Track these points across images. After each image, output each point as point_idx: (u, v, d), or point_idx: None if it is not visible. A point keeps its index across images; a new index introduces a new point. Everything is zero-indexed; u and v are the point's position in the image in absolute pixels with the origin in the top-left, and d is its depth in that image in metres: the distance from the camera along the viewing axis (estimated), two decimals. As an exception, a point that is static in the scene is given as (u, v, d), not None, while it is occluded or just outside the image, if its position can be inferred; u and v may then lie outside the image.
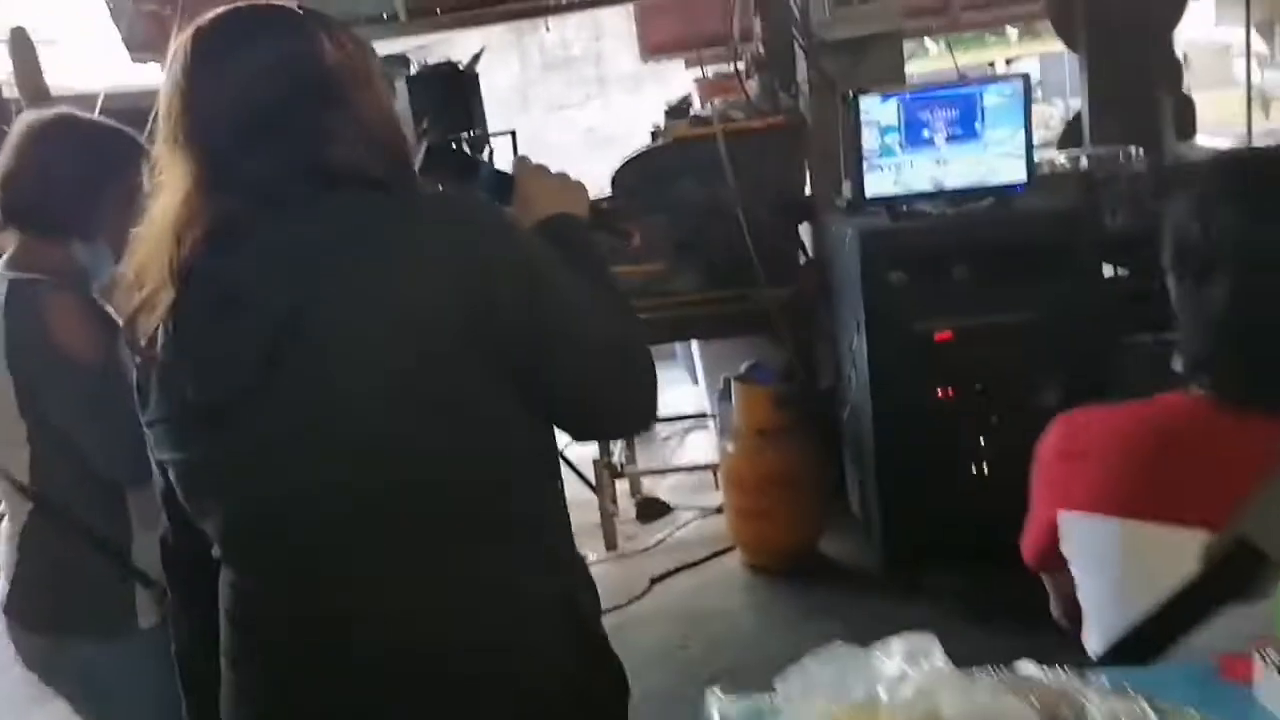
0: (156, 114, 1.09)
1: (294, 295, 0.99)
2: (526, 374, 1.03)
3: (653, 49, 6.77)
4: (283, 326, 0.98)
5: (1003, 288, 2.89)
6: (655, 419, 1.15)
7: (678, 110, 3.94)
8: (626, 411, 1.12)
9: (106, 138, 1.74)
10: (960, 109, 2.87)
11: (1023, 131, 2.86)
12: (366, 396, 0.98)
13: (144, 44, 5.91)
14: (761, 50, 4.50)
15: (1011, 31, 10.65)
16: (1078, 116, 4.72)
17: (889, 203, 2.97)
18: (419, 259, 0.99)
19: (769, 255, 3.62)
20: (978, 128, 2.87)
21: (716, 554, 3.53)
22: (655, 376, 1.12)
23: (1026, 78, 2.87)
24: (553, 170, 1.29)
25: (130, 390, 1.39)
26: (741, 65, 4.98)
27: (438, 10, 5.06)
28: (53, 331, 1.57)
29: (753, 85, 4.01)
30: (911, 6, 4.87)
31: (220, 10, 1.08)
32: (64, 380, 1.59)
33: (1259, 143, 6.46)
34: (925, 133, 2.90)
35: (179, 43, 1.07)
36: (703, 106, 3.87)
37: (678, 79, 10.00)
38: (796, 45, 3.58)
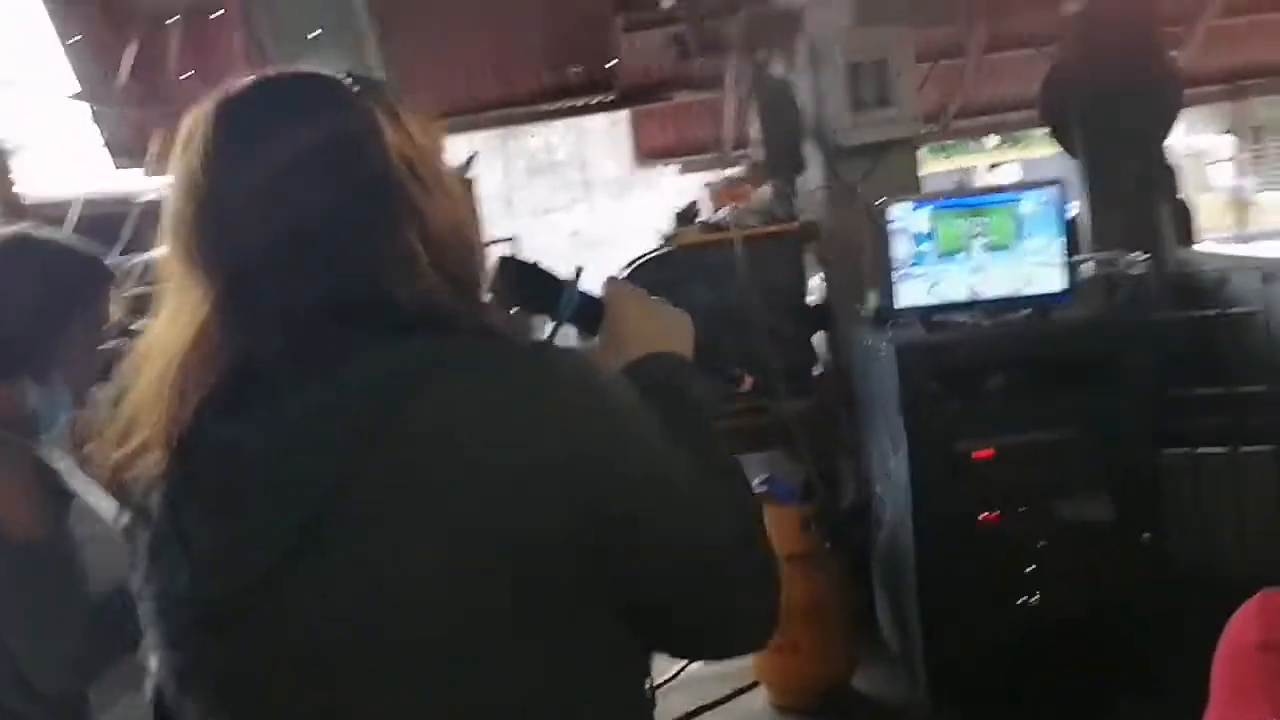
0: (160, 212, 0.88)
1: (323, 483, 0.76)
2: (620, 593, 0.81)
3: (646, 154, 6.74)
4: (306, 523, 0.76)
5: (1044, 402, 2.74)
6: (776, 626, 0.91)
7: (686, 215, 3.82)
8: (740, 626, 0.89)
9: (68, 261, 1.51)
10: (995, 216, 2.75)
11: (1060, 239, 2.74)
12: (404, 623, 0.76)
13: (127, 149, 5.81)
14: (762, 156, 4.44)
15: (990, 139, 10.81)
16: (1071, 221, 4.68)
17: (921, 313, 2.83)
18: (500, 451, 0.77)
19: (785, 365, 3.46)
20: (1014, 235, 2.75)
21: (739, 692, 3.26)
22: (776, 572, 0.90)
23: (1061, 184, 2.76)
24: (649, 297, 1.05)
25: (76, 580, 1.14)
26: (740, 170, 4.91)
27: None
28: None
29: (764, 191, 3.90)
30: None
31: (251, 80, 0.86)
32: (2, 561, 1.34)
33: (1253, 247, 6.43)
34: (959, 240, 2.77)
35: (197, 118, 0.84)
36: (714, 212, 3.75)
37: (665, 183, 10.04)
38: (814, 150, 3.48)
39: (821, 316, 3.64)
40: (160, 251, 0.86)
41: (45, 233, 1.58)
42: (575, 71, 6.16)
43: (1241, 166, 10.49)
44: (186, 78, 5.34)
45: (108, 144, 5.80)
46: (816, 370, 3.70)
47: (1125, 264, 3.61)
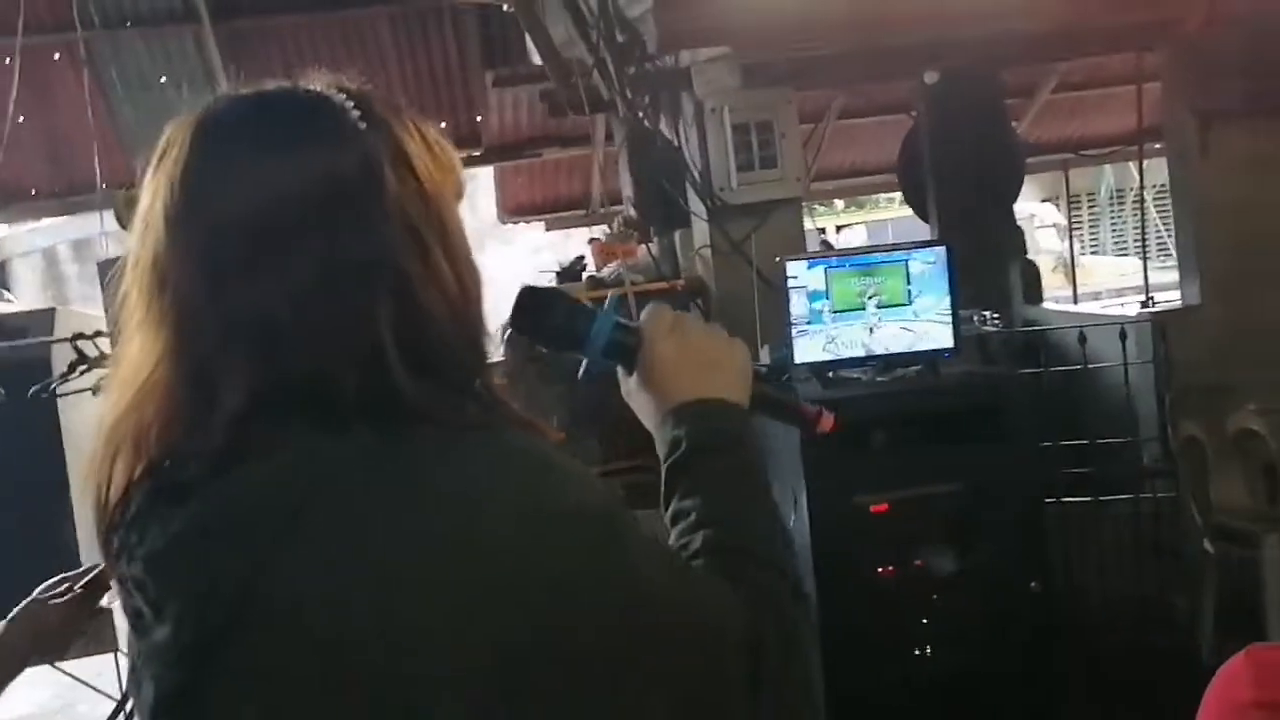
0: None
1: (223, 587, 0.67)
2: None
3: (510, 210, 6.69)
4: (209, 627, 0.67)
5: (935, 455, 2.81)
6: None
7: (570, 272, 3.78)
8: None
9: None
10: (886, 275, 2.81)
11: (949, 296, 2.82)
12: None
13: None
14: (634, 213, 4.46)
15: (838, 202, 11.24)
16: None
17: (817, 369, 2.86)
18: (398, 574, 0.66)
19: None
20: (904, 294, 2.82)
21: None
22: (809, 687, 0.79)
23: (949, 247, 2.85)
24: (699, 324, 0.89)
25: None
26: (616, 227, 4.91)
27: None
28: None
29: (650, 248, 3.90)
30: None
31: (234, 95, 0.75)
32: None
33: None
34: (852, 298, 2.82)
35: (173, 138, 0.73)
36: (599, 268, 3.73)
37: (521, 239, 10.00)
38: (696, 208, 3.51)
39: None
40: (122, 287, 0.74)
41: None
42: (440, 125, 6.11)
43: (1064, 232, 11.24)
44: (22, 124, 5.02)
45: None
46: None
47: (980, 322, 3.78)
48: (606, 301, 0.89)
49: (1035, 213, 11.28)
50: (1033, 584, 2.76)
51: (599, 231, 5.12)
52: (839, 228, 11.36)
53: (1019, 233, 5.75)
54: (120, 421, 0.71)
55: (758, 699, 0.74)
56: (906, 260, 2.82)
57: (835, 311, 2.82)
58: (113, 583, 0.75)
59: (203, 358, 0.69)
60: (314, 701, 0.66)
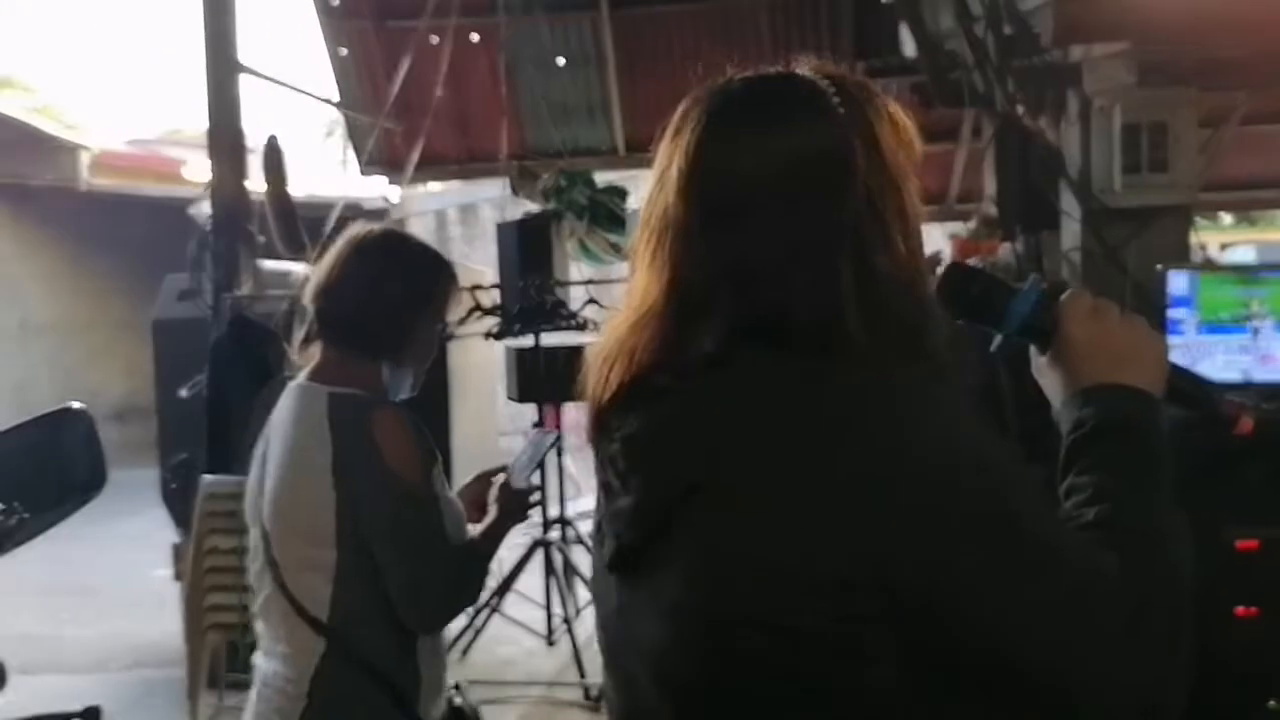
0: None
1: (679, 477, 0.82)
2: (943, 651, 0.77)
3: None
4: (665, 506, 0.83)
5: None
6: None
7: (929, 264, 3.75)
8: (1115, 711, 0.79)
9: (428, 261, 1.68)
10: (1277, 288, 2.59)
11: (1361, 324, 2.55)
12: (717, 622, 0.80)
13: (378, 159, 6.18)
14: (994, 211, 4.33)
15: (1226, 217, 10.22)
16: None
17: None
18: (837, 492, 0.76)
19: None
20: (1305, 316, 2.58)
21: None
22: (1176, 679, 0.79)
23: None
24: (1117, 312, 0.91)
25: (441, 527, 1.25)
26: (972, 224, 4.80)
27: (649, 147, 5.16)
28: (384, 450, 1.46)
29: (1007, 247, 3.80)
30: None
31: (741, 80, 0.87)
32: (391, 503, 1.47)
33: None
34: (1238, 316, 2.62)
35: (687, 112, 0.87)
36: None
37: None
38: (1071, 209, 3.37)
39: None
40: (634, 235, 0.91)
41: (407, 234, 1.75)
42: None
43: None
44: (441, 97, 5.66)
45: (359, 152, 6.20)
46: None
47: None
48: (1028, 283, 0.94)
49: None
50: None
51: (953, 228, 5.02)
52: (1223, 245, 10.31)
53: None
54: (623, 338, 0.87)
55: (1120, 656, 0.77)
56: (1312, 278, 2.58)
57: (1212, 327, 2.63)
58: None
59: (695, 291, 0.83)
60: (732, 572, 0.79)
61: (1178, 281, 2.66)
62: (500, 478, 1.74)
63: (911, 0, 4.16)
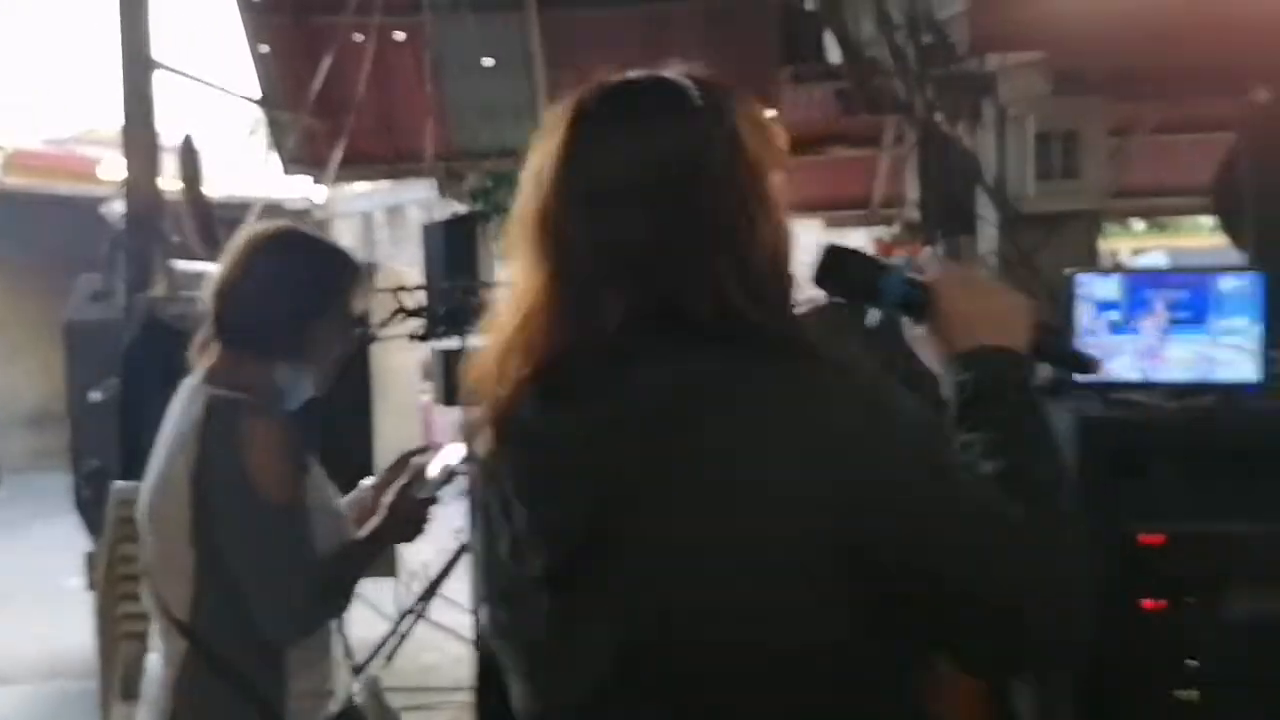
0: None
1: (618, 478, 0.84)
2: (894, 606, 0.84)
3: (793, 205, 6.76)
4: (599, 513, 0.84)
5: (1223, 491, 2.64)
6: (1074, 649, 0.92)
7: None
8: (1033, 644, 0.90)
9: (330, 258, 1.66)
10: (1189, 296, 2.68)
11: (1259, 326, 2.65)
12: (681, 615, 0.83)
13: (300, 157, 6.09)
14: (916, 216, 4.42)
15: (1138, 224, 10.55)
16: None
17: (1100, 388, 2.76)
18: (787, 471, 0.81)
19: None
20: (1207, 317, 2.67)
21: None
22: (1081, 612, 0.89)
23: (1267, 277, 2.68)
24: (983, 280, 1.05)
25: (307, 541, 1.25)
26: (895, 229, 4.88)
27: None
28: (248, 459, 1.44)
29: (933, 251, 3.88)
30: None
31: (610, 83, 0.93)
32: (248, 514, 1.45)
33: None
34: (1146, 317, 2.71)
35: (558, 115, 0.92)
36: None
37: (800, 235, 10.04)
38: (987, 214, 3.46)
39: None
40: (509, 235, 0.92)
41: (309, 230, 1.72)
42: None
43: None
44: (366, 95, 5.60)
45: (281, 151, 6.11)
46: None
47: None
48: (898, 260, 1.03)
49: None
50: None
51: (876, 232, 5.11)
52: (1136, 251, 10.65)
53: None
54: (513, 335, 0.88)
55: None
56: (1213, 281, 2.68)
57: (1125, 329, 2.72)
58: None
59: (583, 284, 0.87)
60: (686, 561, 0.81)
61: (1106, 291, 2.73)
62: (413, 470, 1.71)
63: (834, 7, 4.23)
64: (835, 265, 1.02)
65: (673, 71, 0.94)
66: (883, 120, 5.25)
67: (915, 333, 1.01)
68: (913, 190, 4.54)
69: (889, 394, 0.87)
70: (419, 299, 4.57)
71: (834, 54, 4.47)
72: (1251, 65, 3.59)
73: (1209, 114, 5.60)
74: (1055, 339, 1.05)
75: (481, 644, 1.03)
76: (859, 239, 5.82)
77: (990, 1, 3.07)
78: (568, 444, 0.85)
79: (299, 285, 1.58)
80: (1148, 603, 2.65)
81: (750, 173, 0.91)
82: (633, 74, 0.94)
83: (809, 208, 6.93)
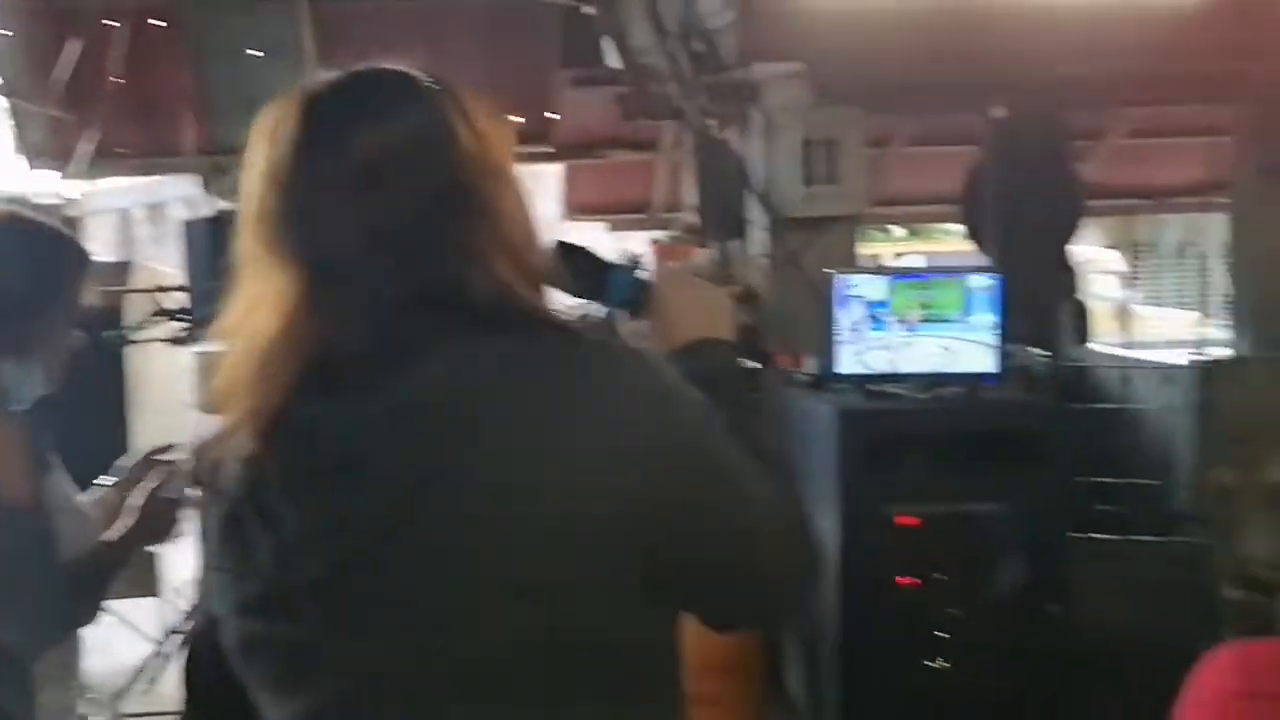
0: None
1: (411, 472, 0.81)
2: (672, 569, 0.86)
3: (576, 209, 6.83)
4: (395, 509, 0.81)
5: (971, 476, 2.87)
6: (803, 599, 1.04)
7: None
8: (774, 604, 0.99)
9: (55, 244, 1.55)
10: (942, 293, 2.89)
11: (997, 322, 2.89)
12: (488, 600, 0.82)
13: (47, 150, 5.63)
14: (695, 219, 4.56)
15: (898, 230, 11.26)
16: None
17: (858, 381, 2.94)
18: (578, 447, 0.82)
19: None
20: (957, 315, 2.89)
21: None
22: (813, 555, 0.97)
23: (1003, 275, 2.93)
24: (696, 281, 1.10)
25: (51, 545, 1.18)
26: (674, 232, 5.02)
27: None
28: None
29: (704, 254, 4.01)
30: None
31: (336, 75, 0.91)
32: None
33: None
34: (902, 314, 2.90)
35: (282, 110, 0.88)
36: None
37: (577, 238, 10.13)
38: (757, 218, 3.61)
39: (754, 379, 3.74)
40: (240, 239, 0.89)
41: (33, 215, 1.59)
42: (513, 120, 6.25)
43: (1125, 279, 11.17)
44: (119, 84, 5.24)
45: (25, 143, 5.63)
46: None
47: (1029, 357, 3.84)
48: (622, 258, 1.07)
49: (1097, 257, 11.21)
50: (1051, 608, 2.82)
51: (655, 236, 5.23)
52: (898, 254, 11.38)
53: (1072, 274, 5.78)
54: (276, 335, 0.84)
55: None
56: (964, 280, 2.90)
57: (882, 326, 2.90)
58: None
59: (345, 275, 0.84)
60: (476, 559, 0.81)
61: (866, 290, 2.90)
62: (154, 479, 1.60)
63: (612, 13, 4.30)
64: (564, 262, 1.04)
65: (396, 62, 0.93)
66: (661, 125, 5.37)
67: (634, 328, 1.06)
68: (690, 195, 4.68)
69: (663, 368, 0.90)
70: (180, 300, 4.32)
71: (614, 59, 4.54)
72: (992, 85, 3.92)
73: (957, 129, 6.08)
74: (753, 334, 1.16)
75: (194, 663, 0.97)
76: (639, 242, 5.95)
77: (757, 14, 3.21)
78: (347, 439, 0.82)
79: (20, 276, 1.47)
80: (903, 580, 2.84)
81: (496, 154, 0.90)
82: (357, 65, 0.92)
83: (592, 211, 7.03)
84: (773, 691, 3.27)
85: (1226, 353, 4.21)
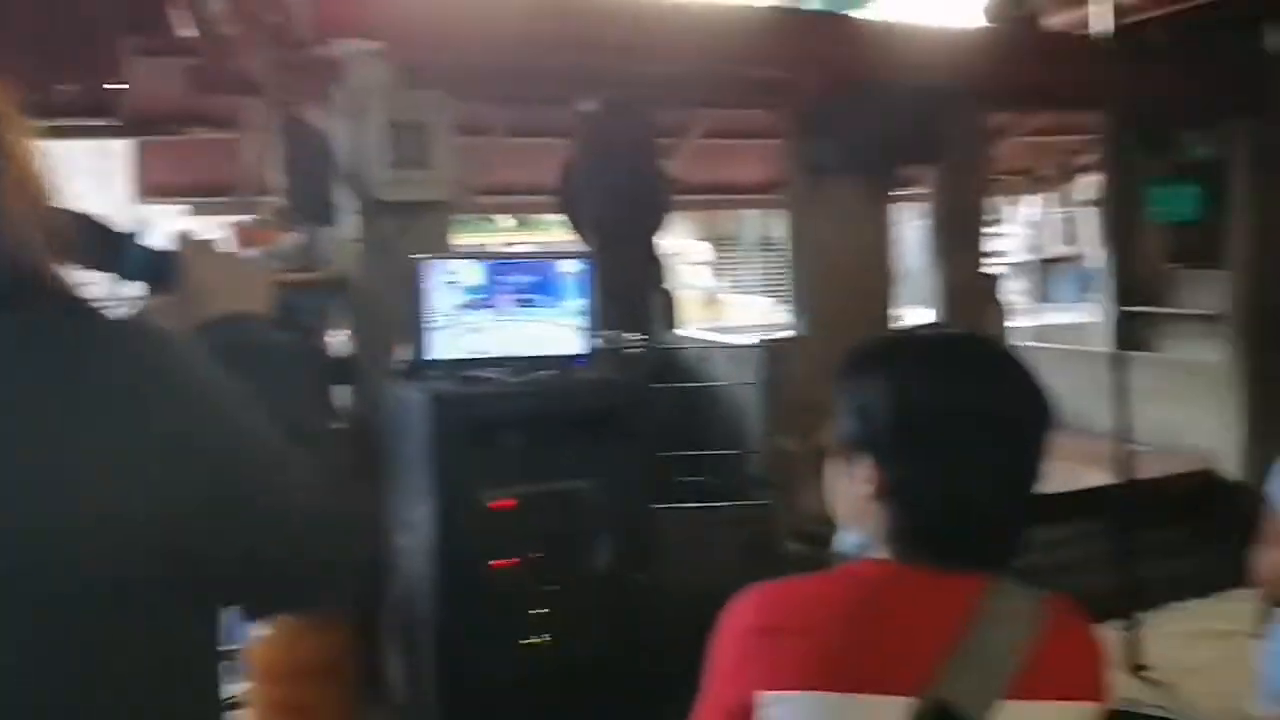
0: None
1: None
2: (198, 563, 0.81)
3: (150, 191, 6.20)
4: None
5: (562, 455, 2.94)
6: (350, 585, 0.96)
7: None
8: (316, 587, 0.94)
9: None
10: (534, 279, 2.93)
11: (586, 306, 2.98)
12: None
13: None
14: (286, 203, 4.32)
15: (511, 220, 11.42)
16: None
17: (452, 367, 2.92)
18: (85, 428, 0.77)
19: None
20: (547, 299, 2.95)
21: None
22: (360, 532, 0.96)
23: (593, 260, 3.02)
24: (227, 253, 1.06)
25: None
26: (261, 215, 4.74)
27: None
28: None
29: (291, 238, 3.79)
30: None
31: None
32: None
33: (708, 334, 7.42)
34: (492, 299, 2.92)
35: None
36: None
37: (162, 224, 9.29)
38: (347, 202, 3.46)
39: (345, 369, 3.59)
40: None
41: None
42: (65, 89, 5.55)
43: (713, 269, 12.13)
44: None
45: None
46: (336, 425, 3.63)
47: (623, 342, 4.03)
48: (134, 229, 1.00)
49: (687, 249, 12.05)
50: (638, 576, 2.97)
51: (256, 218, 4.90)
52: (507, 244, 11.54)
53: (659, 264, 6.16)
54: None
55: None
56: (552, 266, 2.96)
57: (474, 310, 2.90)
58: None
59: None
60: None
61: (456, 275, 2.87)
62: None
63: (180, -22, 3.94)
64: (69, 232, 0.96)
65: None
66: (244, 102, 5.02)
67: (156, 303, 1.01)
68: (276, 176, 4.41)
69: (189, 349, 0.86)
70: None
71: (185, 27, 4.17)
72: (584, 78, 4.04)
73: (559, 120, 6.24)
74: (287, 309, 1.11)
75: None
76: (217, 224, 5.54)
77: (335, -13, 3.07)
78: None
79: None
80: (499, 562, 2.86)
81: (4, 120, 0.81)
82: None
83: (170, 192, 6.44)
84: (373, 692, 3.18)
85: (789, 334, 4.67)
